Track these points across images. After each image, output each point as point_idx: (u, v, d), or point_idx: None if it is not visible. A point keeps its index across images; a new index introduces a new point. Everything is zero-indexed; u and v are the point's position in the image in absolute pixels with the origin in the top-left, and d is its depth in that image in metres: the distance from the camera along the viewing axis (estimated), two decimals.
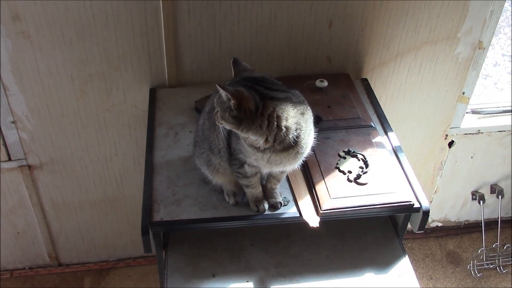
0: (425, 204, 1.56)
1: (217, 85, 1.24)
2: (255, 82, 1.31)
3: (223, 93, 1.25)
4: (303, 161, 1.41)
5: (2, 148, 2.13)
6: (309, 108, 1.37)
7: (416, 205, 1.55)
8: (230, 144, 1.43)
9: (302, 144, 1.34)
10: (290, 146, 1.32)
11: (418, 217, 1.58)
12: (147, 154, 1.72)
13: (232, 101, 1.24)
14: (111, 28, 1.88)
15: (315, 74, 2.03)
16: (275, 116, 1.27)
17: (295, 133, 1.31)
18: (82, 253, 2.63)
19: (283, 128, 1.29)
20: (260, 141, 1.31)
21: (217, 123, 1.34)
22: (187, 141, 1.78)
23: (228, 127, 1.31)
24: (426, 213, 1.55)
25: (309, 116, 1.36)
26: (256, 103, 1.26)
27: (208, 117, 1.50)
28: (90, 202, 2.41)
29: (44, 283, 2.60)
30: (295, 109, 1.31)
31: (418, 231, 1.61)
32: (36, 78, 1.96)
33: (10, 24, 1.81)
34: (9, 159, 2.18)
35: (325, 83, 1.93)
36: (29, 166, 2.22)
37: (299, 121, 1.32)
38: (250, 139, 1.32)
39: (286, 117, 1.29)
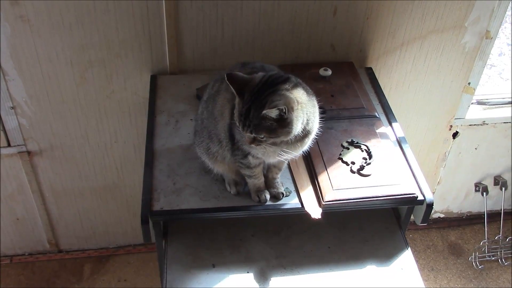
0: (429, 196, 1.53)
1: (264, 112, 1.21)
2: (268, 85, 1.27)
3: (271, 111, 1.21)
4: (306, 150, 1.40)
5: (1, 133, 2.11)
6: (308, 87, 1.37)
7: (420, 197, 1.53)
8: (233, 134, 1.41)
9: (314, 129, 1.34)
10: (307, 134, 1.32)
11: (421, 210, 1.56)
12: (147, 142, 1.70)
13: (284, 109, 1.21)
14: (111, 13, 1.85)
15: (318, 63, 2.00)
16: (303, 104, 1.28)
17: (312, 117, 1.32)
18: (82, 239, 2.62)
19: (307, 113, 1.29)
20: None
21: (266, 146, 1.31)
22: (188, 129, 1.75)
23: (286, 138, 1.28)
24: (430, 206, 1.53)
25: (314, 97, 1.36)
26: (292, 99, 1.25)
27: (206, 105, 1.48)
28: (90, 189, 2.40)
29: (44, 269, 2.59)
30: (307, 92, 1.32)
31: (421, 223, 1.59)
32: (35, 63, 1.93)
33: (8, 8, 1.78)
34: (9, 145, 2.16)
35: (329, 72, 1.90)
36: (29, 152, 2.20)
37: (313, 103, 1.33)
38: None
39: (307, 102, 1.29)
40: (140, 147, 2.23)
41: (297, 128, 1.27)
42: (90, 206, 2.47)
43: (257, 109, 1.23)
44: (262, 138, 1.27)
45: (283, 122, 1.24)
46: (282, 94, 1.24)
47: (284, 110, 1.22)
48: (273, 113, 1.22)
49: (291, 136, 1.28)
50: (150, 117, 1.81)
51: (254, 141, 1.28)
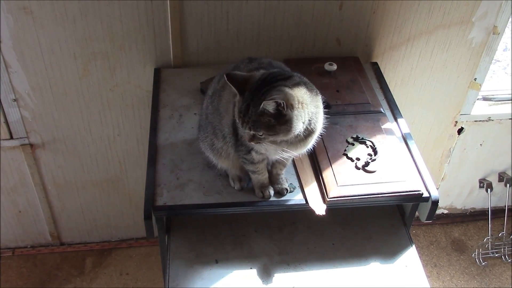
0: (434, 193, 1.52)
1: (262, 104, 1.19)
2: (269, 82, 1.25)
3: (269, 104, 1.19)
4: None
5: (4, 126, 2.10)
6: (314, 86, 1.34)
7: (425, 194, 1.52)
8: (237, 130, 1.39)
9: (317, 130, 1.31)
10: (309, 134, 1.30)
11: (426, 207, 1.55)
12: (151, 136, 1.69)
13: (283, 104, 1.19)
14: (115, 5, 1.83)
15: (324, 57, 1.98)
16: (304, 104, 1.25)
17: (315, 118, 1.28)
18: (84, 232, 2.61)
19: (309, 113, 1.26)
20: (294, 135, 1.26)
21: (265, 144, 1.29)
22: (191, 123, 1.74)
23: (285, 137, 1.26)
24: (435, 203, 1.52)
25: (320, 96, 1.33)
26: (292, 96, 1.22)
27: (211, 100, 1.47)
28: (92, 182, 2.39)
29: (46, 262, 2.59)
30: (311, 92, 1.28)
31: (426, 220, 1.57)
32: (38, 55, 1.92)
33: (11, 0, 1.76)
34: (11, 138, 2.15)
35: (334, 67, 1.88)
36: (31, 145, 2.19)
37: (317, 103, 1.29)
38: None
39: (309, 103, 1.26)
40: (143, 141, 2.22)
41: (298, 128, 1.24)
42: (92, 199, 2.46)
43: (256, 105, 1.22)
44: (261, 135, 1.25)
45: (282, 119, 1.22)
46: (282, 90, 1.22)
47: (282, 105, 1.19)
48: (270, 106, 1.19)
49: (291, 135, 1.25)
50: (153, 110, 1.79)
51: (253, 138, 1.27)
